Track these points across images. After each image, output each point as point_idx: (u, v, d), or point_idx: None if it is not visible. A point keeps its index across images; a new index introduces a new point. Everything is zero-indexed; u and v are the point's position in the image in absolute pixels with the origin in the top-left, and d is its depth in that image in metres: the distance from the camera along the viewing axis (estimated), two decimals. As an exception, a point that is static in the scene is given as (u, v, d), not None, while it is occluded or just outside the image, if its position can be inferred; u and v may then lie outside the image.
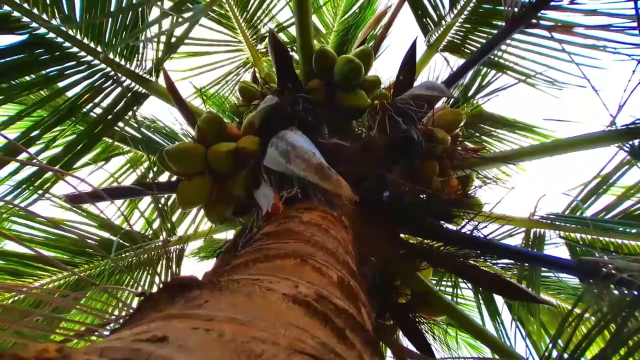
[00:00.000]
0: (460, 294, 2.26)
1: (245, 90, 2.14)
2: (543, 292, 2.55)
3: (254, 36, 2.84)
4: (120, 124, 2.20)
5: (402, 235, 1.75)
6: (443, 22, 2.49)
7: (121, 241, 2.38)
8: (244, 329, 0.43)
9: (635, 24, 1.66)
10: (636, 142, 1.79)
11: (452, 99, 2.26)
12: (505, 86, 2.44)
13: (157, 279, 2.52)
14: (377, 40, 2.43)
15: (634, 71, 1.59)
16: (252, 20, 2.78)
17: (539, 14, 1.94)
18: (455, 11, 2.43)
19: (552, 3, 1.88)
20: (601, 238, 2.15)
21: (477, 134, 2.78)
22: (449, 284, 2.27)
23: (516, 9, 1.89)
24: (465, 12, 2.42)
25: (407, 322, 1.72)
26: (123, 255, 2.43)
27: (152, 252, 2.40)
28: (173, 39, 2.18)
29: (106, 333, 0.68)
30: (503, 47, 2.25)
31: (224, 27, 2.81)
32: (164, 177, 2.57)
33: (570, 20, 1.92)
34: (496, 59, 2.40)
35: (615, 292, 1.41)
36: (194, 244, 2.85)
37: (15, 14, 1.79)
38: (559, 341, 1.26)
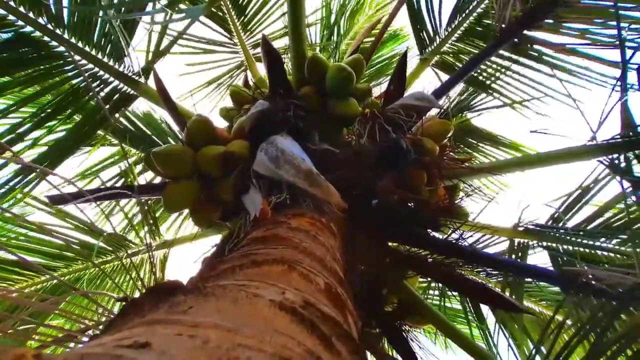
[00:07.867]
0: (447, 299, 2.27)
1: (236, 94, 2.13)
2: (526, 300, 2.59)
3: (250, 40, 2.85)
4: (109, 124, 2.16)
5: (390, 243, 1.76)
6: (437, 38, 2.59)
7: (102, 244, 2.32)
8: (229, 335, 0.42)
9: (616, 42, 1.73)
10: (615, 156, 1.85)
11: (442, 111, 2.30)
12: (492, 106, 2.52)
13: (140, 284, 2.46)
14: (368, 51, 2.46)
15: (613, 88, 1.66)
16: (249, 24, 2.80)
17: (523, 33, 2.03)
18: (450, 29, 2.55)
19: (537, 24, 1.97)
20: (582, 249, 2.20)
21: (464, 147, 2.84)
22: (436, 291, 2.29)
23: (503, 25, 1.97)
24: (458, 32, 2.54)
25: (393, 331, 1.72)
26: (105, 259, 2.36)
27: (136, 256, 2.35)
28: (166, 41, 2.17)
29: (86, 339, 0.66)
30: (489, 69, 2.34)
31: (220, 27, 2.82)
32: (149, 177, 2.53)
33: (552, 41, 2.01)
34: (481, 79, 2.49)
35: (595, 301, 1.44)
36: (179, 247, 2.80)
37: (1, 11, 1.76)
38: (542, 348, 1.28)
